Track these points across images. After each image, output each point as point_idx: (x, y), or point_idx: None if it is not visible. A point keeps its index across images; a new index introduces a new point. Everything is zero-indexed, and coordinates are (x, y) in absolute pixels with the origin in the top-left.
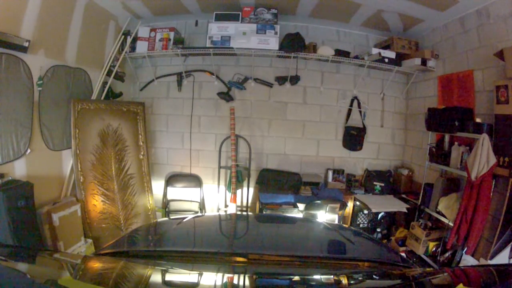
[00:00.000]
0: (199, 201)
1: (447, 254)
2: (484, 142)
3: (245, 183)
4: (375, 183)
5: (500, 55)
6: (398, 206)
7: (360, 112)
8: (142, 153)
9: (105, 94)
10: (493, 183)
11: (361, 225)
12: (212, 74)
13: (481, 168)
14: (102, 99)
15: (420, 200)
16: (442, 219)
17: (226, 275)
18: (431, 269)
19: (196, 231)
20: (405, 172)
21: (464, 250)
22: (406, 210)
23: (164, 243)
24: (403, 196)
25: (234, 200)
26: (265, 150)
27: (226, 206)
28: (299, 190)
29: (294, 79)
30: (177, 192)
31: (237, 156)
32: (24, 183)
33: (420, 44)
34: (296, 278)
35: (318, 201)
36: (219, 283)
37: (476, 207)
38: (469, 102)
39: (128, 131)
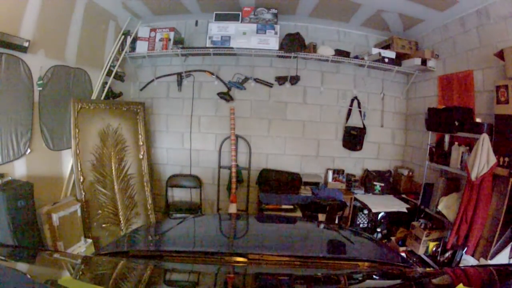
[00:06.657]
0: (199, 201)
1: (447, 254)
2: (484, 142)
3: (245, 183)
4: (375, 183)
5: (500, 55)
6: (398, 206)
7: (360, 112)
8: (142, 153)
9: (105, 94)
10: (493, 183)
11: (361, 225)
12: (212, 74)
13: (481, 168)
14: (102, 99)
15: (420, 200)
16: (442, 219)
17: (226, 275)
18: (431, 269)
19: (196, 231)
20: (405, 172)
21: (464, 250)
22: (406, 210)
23: (164, 243)
24: (403, 196)
25: (234, 200)
26: (265, 150)
27: (226, 206)
28: (299, 190)
29: (294, 79)
30: (177, 192)
31: (237, 156)
32: (24, 183)
33: (420, 44)
34: (296, 278)
35: (318, 201)
36: (219, 283)
37: (476, 207)
38: (469, 102)
39: (128, 131)
